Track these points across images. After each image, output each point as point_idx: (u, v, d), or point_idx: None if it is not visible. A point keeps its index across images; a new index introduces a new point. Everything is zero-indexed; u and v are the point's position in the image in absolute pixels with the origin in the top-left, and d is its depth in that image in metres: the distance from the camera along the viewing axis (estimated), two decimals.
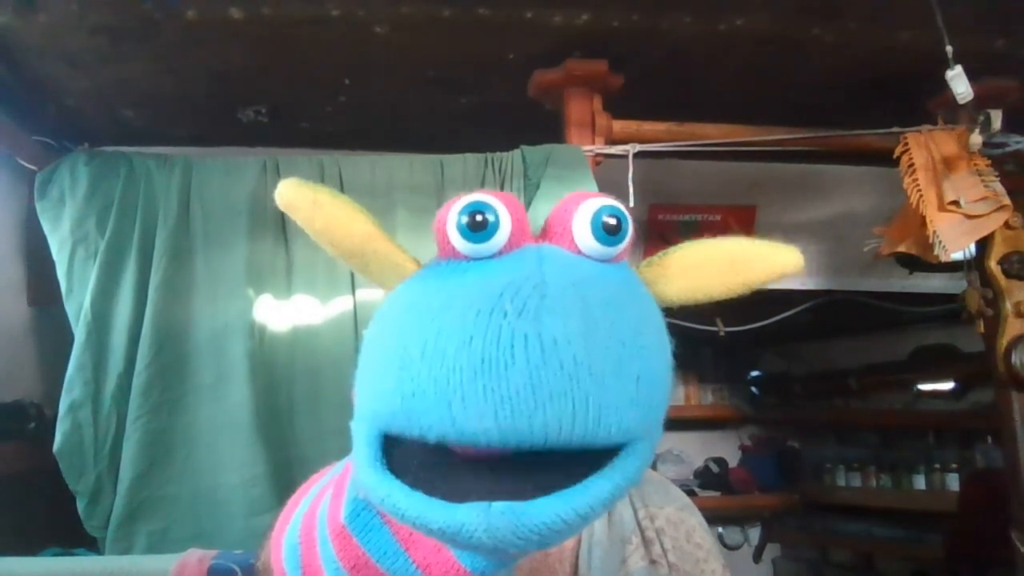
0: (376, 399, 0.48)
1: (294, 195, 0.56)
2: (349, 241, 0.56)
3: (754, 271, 0.55)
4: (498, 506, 0.43)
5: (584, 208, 0.52)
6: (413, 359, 0.45)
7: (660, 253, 0.57)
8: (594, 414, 0.43)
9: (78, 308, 1.78)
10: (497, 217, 0.50)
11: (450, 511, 0.44)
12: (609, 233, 0.51)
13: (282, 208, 0.57)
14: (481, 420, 0.43)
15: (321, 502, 0.63)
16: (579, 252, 0.51)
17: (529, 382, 0.43)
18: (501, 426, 0.43)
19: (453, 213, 0.50)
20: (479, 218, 0.49)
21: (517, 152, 1.90)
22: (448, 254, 0.51)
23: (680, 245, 0.57)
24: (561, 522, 0.43)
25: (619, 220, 0.51)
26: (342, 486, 0.61)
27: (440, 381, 0.44)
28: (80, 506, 1.72)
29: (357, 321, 1.80)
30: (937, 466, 3.44)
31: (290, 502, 0.69)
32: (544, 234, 0.53)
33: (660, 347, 0.50)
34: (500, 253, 0.50)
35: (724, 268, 0.56)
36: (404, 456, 0.47)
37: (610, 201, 0.52)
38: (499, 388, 0.43)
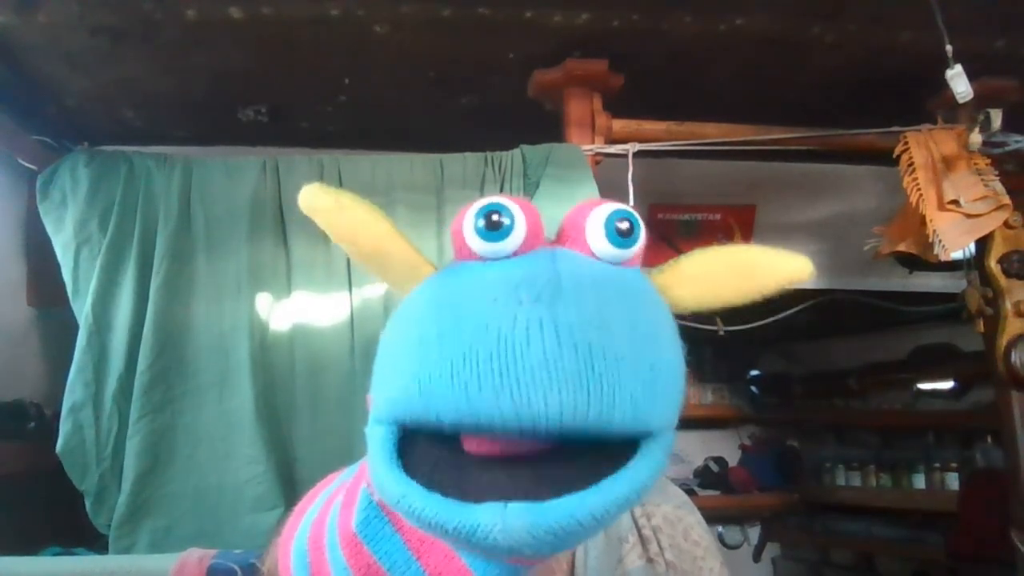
0: (393, 387, 0.49)
1: (317, 199, 0.57)
2: (371, 243, 0.57)
3: (765, 278, 0.56)
4: (514, 507, 0.43)
5: (597, 212, 0.53)
6: (430, 345, 0.46)
7: (672, 260, 0.57)
8: (608, 396, 0.44)
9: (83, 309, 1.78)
10: (512, 219, 0.51)
11: (466, 511, 0.44)
12: (622, 236, 0.52)
13: (305, 212, 0.57)
14: (497, 402, 0.43)
15: (331, 508, 0.63)
16: (593, 255, 0.52)
17: (544, 364, 0.43)
18: (517, 407, 0.43)
19: (470, 215, 0.52)
20: (495, 218, 0.51)
21: (517, 151, 1.90)
22: (465, 256, 0.52)
23: (691, 252, 0.58)
24: (576, 524, 0.43)
25: (631, 224, 0.52)
26: (353, 493, 0.61)
27: (456, 364, 0.45)
28: (87, 504, 1.73)
29: (354, 320, 1.80)
30: (937, 466, 3.44)
31: (298, 507, 0.69)
32: (558, 238, 0.54)
33: (673, 345, 0.51)
34: (515, 254, 0.51)
35: (736, 275, 0.57)
36: (420, 458, 0.47)
37: (623, 206, 0.53)
38: (515, 370, 0.43)
